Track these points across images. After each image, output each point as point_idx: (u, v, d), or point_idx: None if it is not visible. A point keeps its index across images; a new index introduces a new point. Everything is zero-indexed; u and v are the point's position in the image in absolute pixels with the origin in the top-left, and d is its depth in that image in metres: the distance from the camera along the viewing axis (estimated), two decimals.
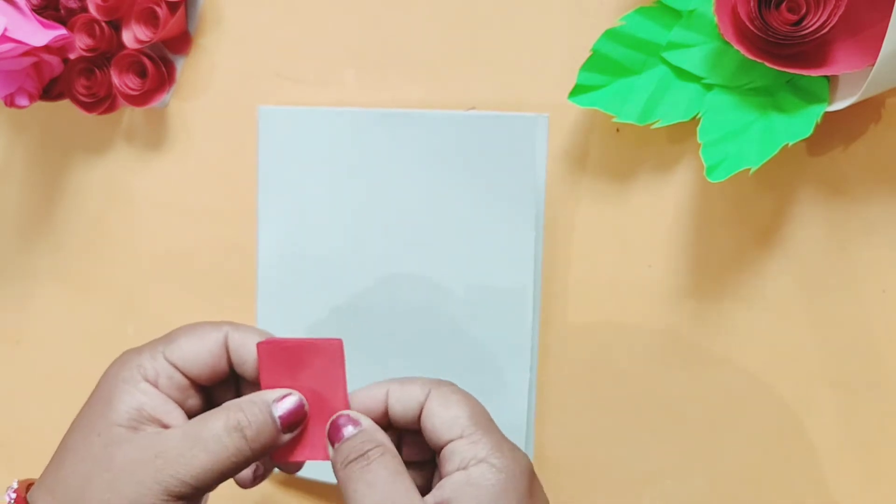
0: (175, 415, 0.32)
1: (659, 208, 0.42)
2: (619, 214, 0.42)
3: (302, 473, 0.48)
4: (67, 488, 0.30)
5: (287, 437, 0.32)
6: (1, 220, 0.57)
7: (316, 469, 0.47)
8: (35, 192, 0.56)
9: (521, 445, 0.43)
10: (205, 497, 0.34)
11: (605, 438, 0.44)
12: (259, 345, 0.33)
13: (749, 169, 0.36)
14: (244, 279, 0.50)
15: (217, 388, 0.35)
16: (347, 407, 0.33)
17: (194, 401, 0.34)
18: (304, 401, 0.33)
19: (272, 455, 0.33)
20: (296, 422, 0.33)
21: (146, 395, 0.32)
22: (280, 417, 0.32)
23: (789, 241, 0.40)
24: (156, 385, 0.32)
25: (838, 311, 0.39)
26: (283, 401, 0.32)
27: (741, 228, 0.41)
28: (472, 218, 0.43)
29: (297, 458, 0.33)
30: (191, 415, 0.33)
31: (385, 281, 0.45)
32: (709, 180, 0.36)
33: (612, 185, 0.42)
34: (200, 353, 0.33)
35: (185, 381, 0.33)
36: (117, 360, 0.33)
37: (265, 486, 0.51)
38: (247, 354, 0.33)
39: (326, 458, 0.33)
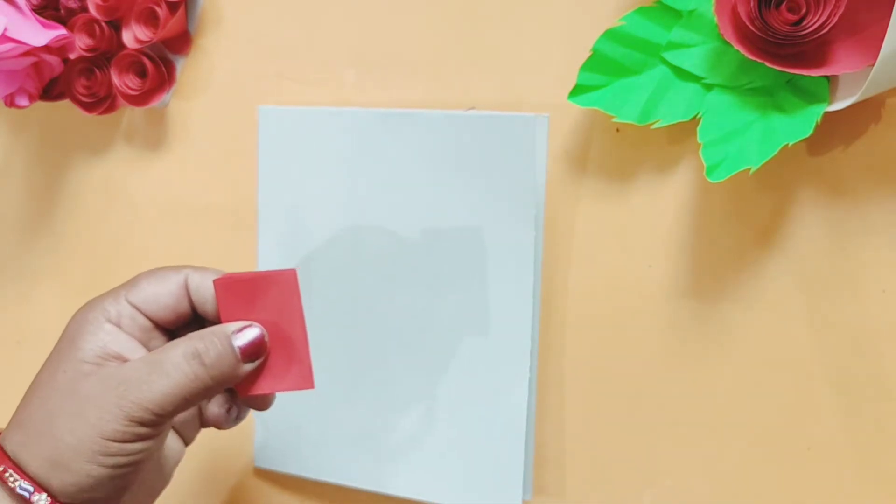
0: (139, 353, 0.33)
1: (659, 208, 0.42)
2: (619, 214, 0.42)
3: (302, 473, 0.48)
4: (36, 422, 0.32)
5: (248, 367, 0.33)
6: (1, 220, 0.57)
7: (316, 469, 0.47)
8: (35, 192, 0.56)
9: (521, 445, 0.43)
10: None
11: (605, 438, 0.44)
12: (216, 281, 0.33)
13: (749, 169, 0.36)
14: None
15: (182, 332, 0.35)
16: (306, 337, 0.34)
17: (158, 342, 0.35)
18: (265, 332, 0.34)
19: (237, 389, 0.34)
20: (256, 352, 0.33)
21: (109, 335, 0.33)
22: (239, 347, 0.33)
23: (789, 241, 0.40)
24: (119, 326, 0.33)
25: (838, 311, 0.39)
26: (242, 332, 0.33)
27: (741, 228, 0.41)
28: (472, 218, 0.43)
29: (260, 389, 0.34)
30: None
31: (385, 280, 0.45)
32: (709, 180, 0.36)
33: (612, 185, 0.42)
34: (161, 295, 0.34)
35: (147, 323, 0.34)
36: (83, 306, 0.34)
37: (263, 486, 0.51)
38: (206, 294, 0.34)
39: (289, 388, 0.34)
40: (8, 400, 0.59)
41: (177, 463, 0.38)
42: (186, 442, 0.38)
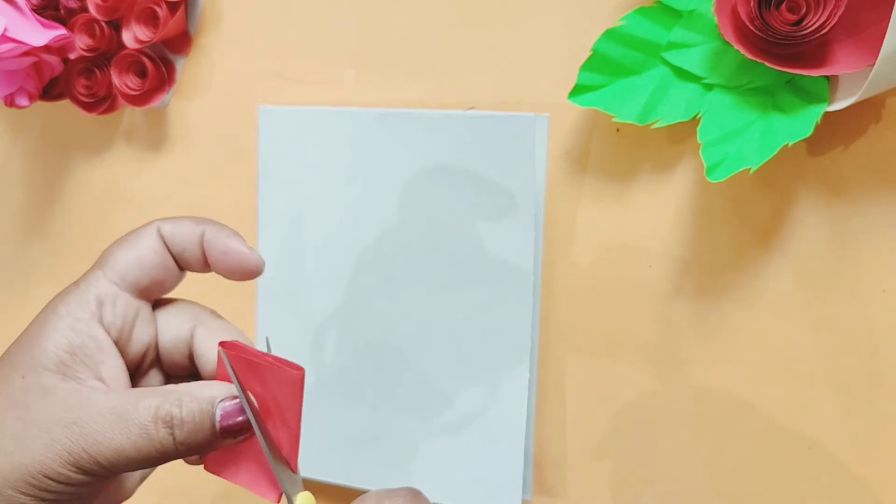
0: (110, 366, 0.29)
1: (659, 208, 0.42)
2: (619, 214, 0.42)
3: (301, 473, 0.48)
4: None
5: (226, 441, 0.29)
6: (1, 220, 0.57)
7: (316, 469, 0.47)
8: (35, 192, 0.56)
9: (521, 445, 0.43)
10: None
11: (605, 438, 0.44)
12: (222, 344, 0.29)
13: (749, 169, 0.36)
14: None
15: (163, 317, 0.32)
16: (297, 441, 0.29)
17: (144, 324, 0.31)
18: (251, 411, 0.29)
19: (204, 461, 0.30)
20: (238, 430, 0.29)
21: (79, 337, 0.28)
22: (220, 424, 0.28)
23: (789, 241, 0.40)
24: (100, 316, 0.29)
25: (838, 311, 0.39)
26: (229, 406, 0.28)
27: (741, 228, 0.41)
28: (472, 218, 0.43)
29: (231, 478, 0.30)
30: (140, 351, 0.31)
31: (384, 280, 0.45)
32: (709, 180, 0.36)
33: (612, 185, 0.42)
34: (142, 257, 0.30)
35: (134, 301, 0.30)
36: (57, 294, 0.30)
37: None
38: (184, 240, 0.30)
39: (254, 490, 0.30)
40: None
41: (143, 477, 0.33)
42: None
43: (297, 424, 0.29)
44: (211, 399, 0.28)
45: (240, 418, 0.28)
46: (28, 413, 0.27)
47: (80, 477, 0.27)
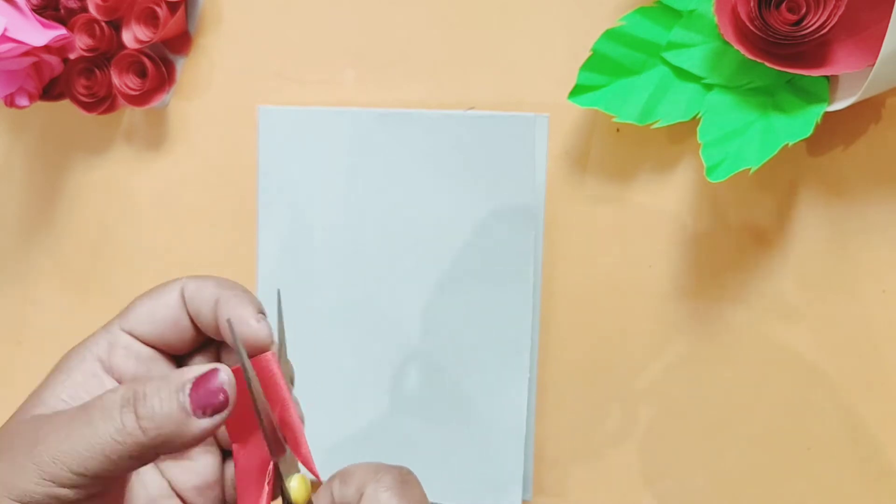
0: None
1: (659, 208, 0.42)
2: (619, 214, 0.42)
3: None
4: None
5: (203, 423, 0.25)
6: (1, 220, 0.57)
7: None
8: (35, 192, 0.56)
9: (521, 445, 0.43)
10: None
11: (605, 438, 0.44)
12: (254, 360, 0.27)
13: (749, 169, 0.36)
14: (244, 279, 0.49)
15: (192, 361, 0.30)
16: (293, 425, 0.27)
17: (165, 371, 0.29)
18: (230, 380, 0.25)
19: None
20: (215, 404, 0.25)
21: (83, 376, 0.27)
22: (190, 395, 0.25)
23: (789, 241, 0.40)
24: (107, 362, 0.28)
25: (838, 311, 0.39)
26: (202, 377, 0.25)
27: (741, 228, 0.41)
28: (472, 218, 0.43)
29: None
30: None
31: (384, 280, 0.45)
32: (709, 180, 0.36)
33: (612, 185, 0.42)
34: (155, 311, 0.29)
35: (147, 351, 0.29)
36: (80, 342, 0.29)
37: None
38: (200, 301, 0.28)
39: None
40: (8, 400, 0.59)
41: None
42: None
43: (286, 409, 0.27)
44: (184, 374, 0.25)
45: (220, 395, 0.25)
46: (2, 438, 0.25)
47: (54, 491, 0.24)
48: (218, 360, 0.30)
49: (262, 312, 0.29)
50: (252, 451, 0.27)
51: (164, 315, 0.29)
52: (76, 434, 0.24)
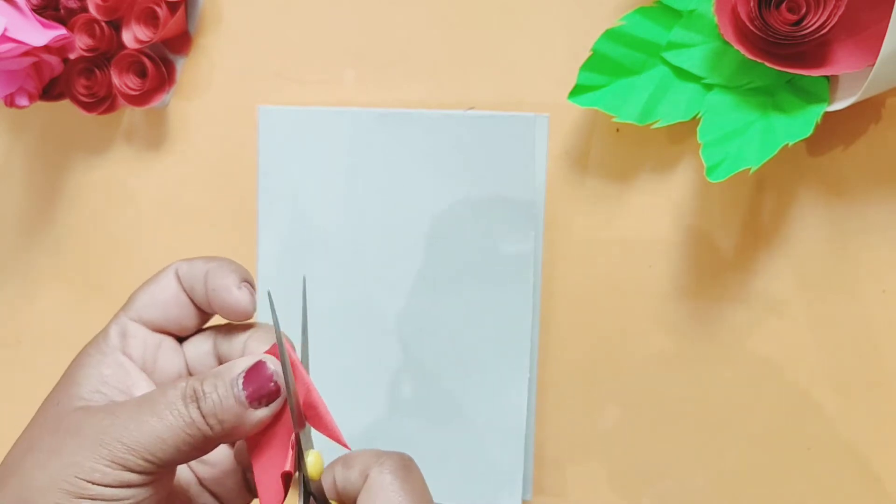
0: (143, 386, 0.30)
1: (659, 208, 0.42)
2: (619, 214, 0.42)
3: None
4: (13, 458, 0.27)
5: (261, 413, 0.27)
6: (1, 220, 0.57)
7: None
8: (35, 192, 0.56)
9: (521, 445, 0.43)
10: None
11: (605, 438, 0.44)
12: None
13: (749, 169, 0.36)
14: None
15: (192, 347, 0.32)
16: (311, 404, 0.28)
17: (167, 358, 0.31)
18: (276, 369, 0.28)
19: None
20: (268, 394, 0.28)
21: (111, 368, 0.29)
22: (245, 390, 0.27)
23: (789, 241, 0.40)
24: (123, 351, 0.30)
25: (838, 311, 0.39)
26: (251, 370, 0.28)
27: (741, 228, 0.41)
28: (472, 218, 0.43)
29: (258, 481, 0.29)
30: (170, 379, 0.31)
31: (384, 280, 0.45)
32: (709, 180, 0.36)
33: (612, 185, 0.42)
34: (156, 294, 0.31)
35: (155, 338, 0.31)
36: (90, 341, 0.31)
37: None
38: (193, 279, 0.30)
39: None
40: (8, 399, 0.59)
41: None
42: None
43: (309, 391, 0.28)
44: (231, 371, 0.28)
45: (270, 384, 0.28)
46: (60, 428, 0.27)
47: (120, 474, 0.26)
48: (215, 341, 0.32)
49: (246, 281, 0.30)
50: (275, 425, 0.29)
51: (164, 297, 0.31)
52: (147, 426, 0.26)
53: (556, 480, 0.45)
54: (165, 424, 0.26)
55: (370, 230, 0.45)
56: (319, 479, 0.29)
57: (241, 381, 0.27)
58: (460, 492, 0.44)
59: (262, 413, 0.28)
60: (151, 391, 0.28)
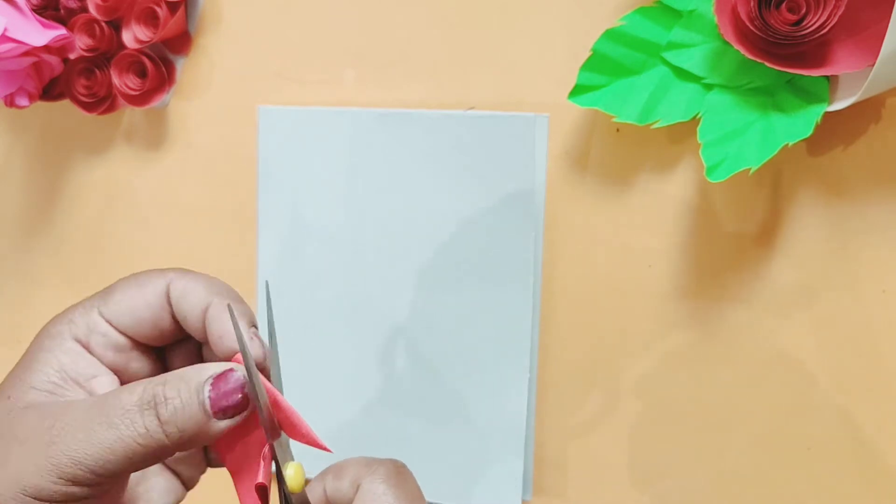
0: (104, 381, 0.27)
1: (659, 208, 0.42)
2: (619, 214, 0.42)
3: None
4: None
5: (223, 424, 0.25)
6: (1, 220, 0.57)
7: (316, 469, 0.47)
8: (35, 192, 0.56)
9: (521, 445, 0.43)
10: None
11: (605, 438, 0.44)
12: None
13: (749, 169, 0.36)
14: (244, 279, 0.50)
15: (174, 352, 0.30)
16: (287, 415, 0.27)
17: (139, 364, 0.29)
18: (246, 380, 0.26)
19: (214, 449, 0.27)
20: (234, 406, 0.25)
21: (69, 356, 0.27)
22: (211, 398, 0.25)
23: (789, 241, 0.40)
24: (86, 345, 0.27)
25: (838, 311, 0.39)
26: (220, 378, 0.25)
27: (741, 228, 0.41)
28: (472, 218, 0.43)
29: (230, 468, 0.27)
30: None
31: (384, 280, 0.45)
32: (709, 180, 0.36)
33: (612, 185, 0.42)
34: (137, 306, 0.27)
35: (123, 341, 0.28)
36: (53, 318, 0.28)
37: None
38: (188, 306, 0.27)
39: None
40: None
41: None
42: (187, 485, 0.30)
43: (277, 403, 0.27)
44: (200, 373, 0.25)
45: (238, 395, 0.25)
46: (10, 431, 0.25)
47: (68, 489, 0.24)
48: (199, 354, 0.30)
49: (254, 326, 0.28)
50: (249, 435, 0.27)
51: (144, 314, 0.28)
52: (96, 437, 0.24)
53: (556, 480, 0.45)
54: (116, 435, 0.24)
55: (370, 230, 0.45)
56: (303, 492, 0.28)
57: (207, 388, 0.25)
58: (460, 492, 0.44)
59: (225, 424, 0.25)
60: (107, 394, 0.25)
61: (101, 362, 0.28)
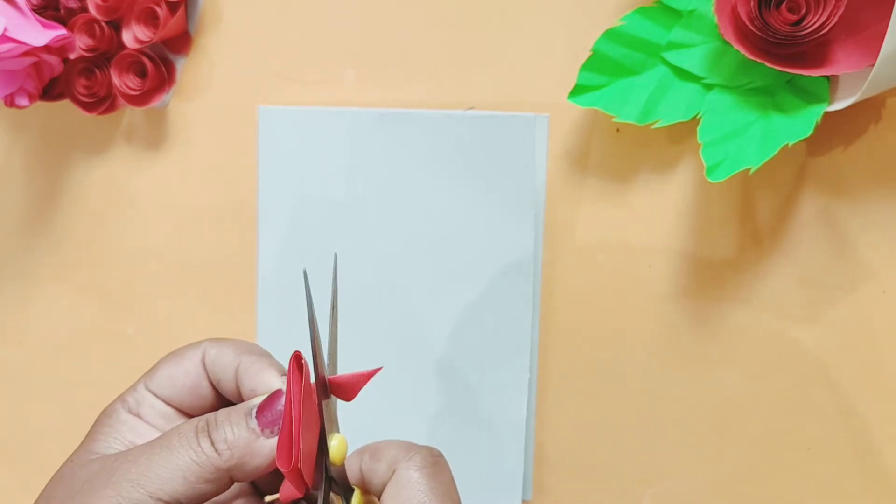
0: None
1: (659, 208, 0.42)
2: (619, 214, 0.42)
3: None
4: None
5: (271, 442, 0.27)
6: (1, 220, 0.57)
7: None
8: (35, 192, 0.56)
9: (521, 445, 0.43)
10: None
11: (605, 438, 0.44)
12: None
13: (749, 169, 0.36)
14: (244, 279, 0.50)
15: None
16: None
17: None
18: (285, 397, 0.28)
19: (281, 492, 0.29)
20: (280, 422, 0.28)
21: (126, 426, 0.29)
22: (257, 417, 0.27)
23: (789, 241, 0.40)
24: (139, 416, 0.30)
25: (838, 311, 0.39)
26: (266, 403, 0.28)
27: (741, 228, 0.41)
28: (472, 218, 0.43)
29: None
30: None
31: (384, 281, 0.45)
32: (709, 180, 0.36)
33: (612, 185, 0.42)
34: (177, 376, 0.30)
35: (169, 410, 0.30)
36: (108, 405, 0.31)
37: None
38: (221, 370, 0.30)
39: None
40: (8, 400, 0.59)
41: None
42: None
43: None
44: (248, 402, 0.28)
45: (278, 407, 0.27)
46: (74, 480, 0.27)
47: None
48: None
49: (284, 374, 0.30)
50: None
51: (183, 382, 0.30)
52: (155, 458, 0.26)
53: (556, 480, 0.45)
54: (174, 455, 0.26)
55: (370, 230, 0.45)
56: (343, 466, 0.29)
57: (255, 411, 0.28)
58: (460, 492, 0.44)
59: (273, 441, 0.27)
60: (165, 433, 0.28)
61: (155, 429, 0.30)
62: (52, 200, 0.56)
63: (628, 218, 0.42)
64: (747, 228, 0.40)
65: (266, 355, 0.31)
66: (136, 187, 0.53)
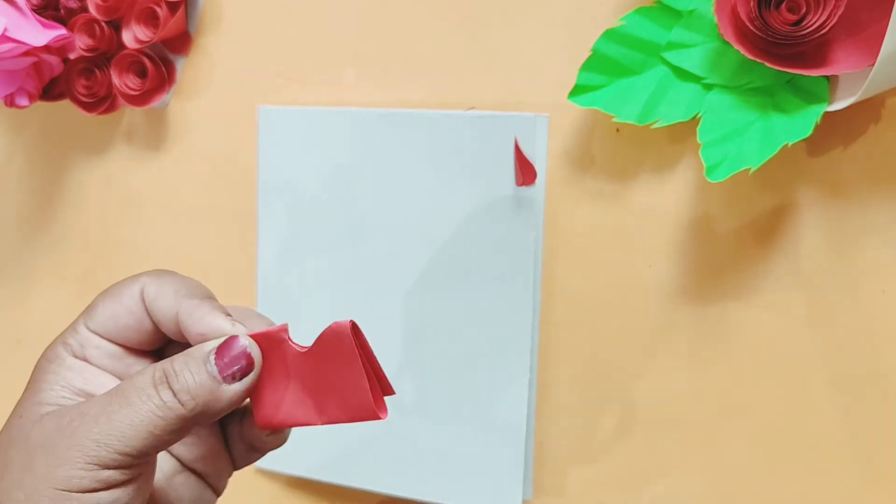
0: (110, 384, 0.28)
1: (659, 208, 0.42)
2: (619, 214, 0.42)
3: (302, 473, 0.48)
4: None
5: (234, 388, 0.27)
6: (1, 220, 0.57)
7: (316, 469, 0.47)
8: (35, 191, 0.56)
9: (521, 445, 0.43)
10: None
11: (605, 438, 0.44)
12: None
13: (749, 169, 0.36)
14: (244, 279, 0.50)
15: (171, 353, 0.30)
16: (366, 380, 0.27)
17: (139, 368, 0.29)
18: (251, 344, 0.27)
19: (256, 419, 0.29)
20: (241, 369, 0.27)
21: (72, 372, 0.28)
22: (216, 363, 0.26)
23: (789, 241, 0.40)
24: (85, 359, 0.29)
25: (838, 311, 0.39)
26: (223, 346, 0.27)
27: (741, 228, 0.41)
28: (473, 218, 0.43)
29: (288, 421, 0.28)
30: None
31: (384, 280, 0.45)
32: (709, 180, 0.36)
33: (612, 185, 0.42)
34: (119, 314, 0.29)
35: (116, 349, 0.29)
36: (47, 346, 0.30)
37: (264, 487, 0.51)
38: (161, 312, 0.28)
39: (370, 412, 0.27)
40: (8, 399, 0.59)
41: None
42: (216, 490, 0.31)
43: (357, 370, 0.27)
44: (204, 347, 0.27)
45: (242, 361, 0.27)
46: (28, 441, 0.26)
47: (99, 474, 0.25)
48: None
49: (228, 315, 0.29)
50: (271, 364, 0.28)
51: (126, 321, 0.29)
52: (117, 416, 0.25)
53: (556, 480, 0.45)
54: (136, 411, 0.25)
55: (370, 230, 0.45)
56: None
57: (212, 357, 0.27)
58: (460, 492, 0.44)
59: (237, 387, 0.27)
60: (120, 383, 0.27)
61: (104, 371, 0.29)
62: (51, 200, 0.56)
63: (628, 217, 0.42)
64: (747, 228, 0.40)
65: (207, 296, 0.29)
66: (136, 187, 0.53)
